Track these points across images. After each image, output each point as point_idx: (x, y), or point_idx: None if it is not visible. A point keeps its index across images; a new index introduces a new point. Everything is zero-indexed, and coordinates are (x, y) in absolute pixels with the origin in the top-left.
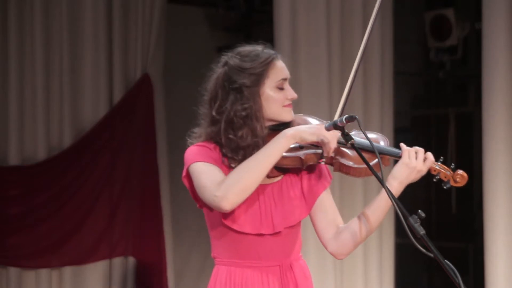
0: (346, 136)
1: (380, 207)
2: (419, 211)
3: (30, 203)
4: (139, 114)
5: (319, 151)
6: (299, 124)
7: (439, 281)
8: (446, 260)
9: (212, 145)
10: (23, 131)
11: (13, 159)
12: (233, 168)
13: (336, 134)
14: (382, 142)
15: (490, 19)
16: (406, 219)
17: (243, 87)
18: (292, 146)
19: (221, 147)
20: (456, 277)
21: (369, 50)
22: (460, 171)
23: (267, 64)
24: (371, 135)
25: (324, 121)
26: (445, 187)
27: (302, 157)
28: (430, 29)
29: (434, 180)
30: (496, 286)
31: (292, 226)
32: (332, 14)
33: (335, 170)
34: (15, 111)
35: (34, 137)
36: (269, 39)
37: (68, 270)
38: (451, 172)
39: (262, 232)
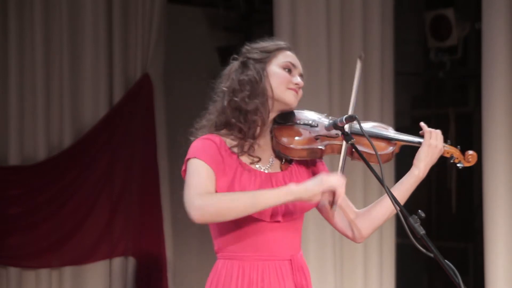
0: (346, 136)
1: (402, 191)
2: (419, 211)
3: (30, 203)
4: (139, 114)
5: (336, 142)
6: (299, 119)
7: (439, 281)
8: (446, 260)
9: (217, 138)
10: (23, 131)
11: (13, 159)
12: (240, 155)
13: (342, 179)
14: (390, 130)
15: (490, 19)
16: (406, 219)
17: (251, 60)
18: (305, 137)
19: (226, 136)
20: (456, 277)
21: (370, 50)
22: (470, 151)
23: (280, 47)
24: (375, 123)
25: (324, 117)
26: (460, 168)
27: (323, 148)
28: (430, 29)
29: (451, 161)
30: (496, 286)
31: (298, 218)
32: (332, 14)
33: (353, 159)
34: (15, 111)
35: (34, 137)
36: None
37: (68, 270)
38: (461, 154)
39: (279, 219)
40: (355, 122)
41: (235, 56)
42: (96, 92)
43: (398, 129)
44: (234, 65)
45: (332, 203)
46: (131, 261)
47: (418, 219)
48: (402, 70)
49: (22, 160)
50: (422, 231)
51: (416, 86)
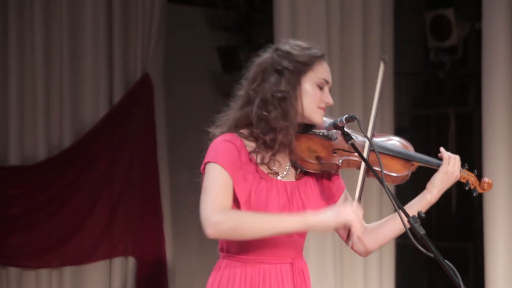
0: (346, 136)
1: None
2: (419, 211)
3: (30, 203)
4: (139, 114)
5: (354, 158)
6: (319, 129)
7: (439, 281)
8: (446, 260)
9: (238, 141)
10: (23, 131)
11: (13, 159)
12: (259, 164)
13: (357, 211)
14: (410, 148)
15: (490, 19)
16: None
17: (286, 71)
18: (323, 151)
19: (247, 138)
20: (456, 277)
21: (370, 50)
22: (486, 179)
23: (316, 57)
24: (395, 139)
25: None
26: (474, 195)
27: (339, 164)
28: (430, 29)
29: (466, 188)
30: (496, 286)
31: None
32: (332, 14)
33: (368, 176)
34: (15, 111)
35: (34, 137)
36: (269, 39)
37: (68, 270)
38: (477, 180)
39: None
40: (371, 136)
41: (266, 48)
42: (96, 92)
43: (398, 129)
44: (265, 62)
45: (348, 237)
46: (131, 261)
47: (418, 219)
48: (402, 70)
49: (22, 160)
50: (422, 231)
51: (416, 86)
